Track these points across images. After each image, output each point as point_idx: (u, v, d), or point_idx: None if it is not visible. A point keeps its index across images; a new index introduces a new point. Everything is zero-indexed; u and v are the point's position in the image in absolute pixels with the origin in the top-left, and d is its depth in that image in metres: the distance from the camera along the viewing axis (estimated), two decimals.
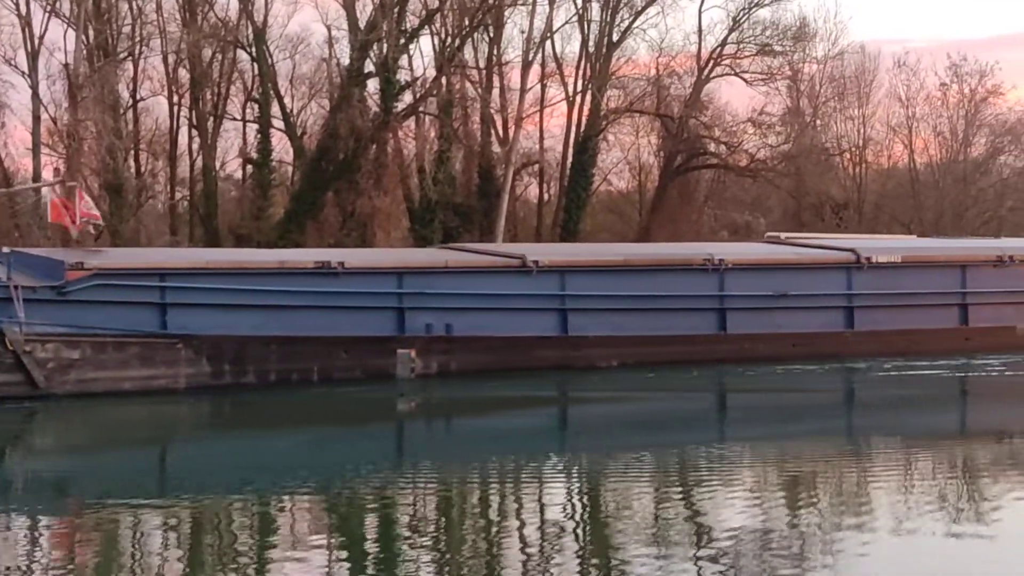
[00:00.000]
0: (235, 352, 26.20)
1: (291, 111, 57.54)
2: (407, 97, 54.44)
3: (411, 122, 55.82)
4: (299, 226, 51.69)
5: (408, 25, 54.18)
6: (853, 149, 65.63)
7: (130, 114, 54.71)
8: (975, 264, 33.02)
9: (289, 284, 27.06)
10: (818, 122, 64.40)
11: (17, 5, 49.56)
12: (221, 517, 14.87)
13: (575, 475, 17.56)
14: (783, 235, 36.70)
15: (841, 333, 31.30)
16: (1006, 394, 26.78)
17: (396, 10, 52.86)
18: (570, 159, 58.40)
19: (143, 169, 55.82)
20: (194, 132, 56.02)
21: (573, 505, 15.41)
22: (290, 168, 59.12)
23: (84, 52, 49.50)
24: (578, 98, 58.47)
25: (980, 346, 31.82)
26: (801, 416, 23.88)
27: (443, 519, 14.73)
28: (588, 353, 28.98)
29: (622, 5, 58.08)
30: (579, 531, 13.79)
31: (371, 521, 14.63)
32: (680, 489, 16.24)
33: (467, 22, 54.99)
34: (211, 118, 55.65)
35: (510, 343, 28.23)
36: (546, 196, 62.28)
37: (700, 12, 61.49)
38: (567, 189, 58.09)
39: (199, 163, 56.01)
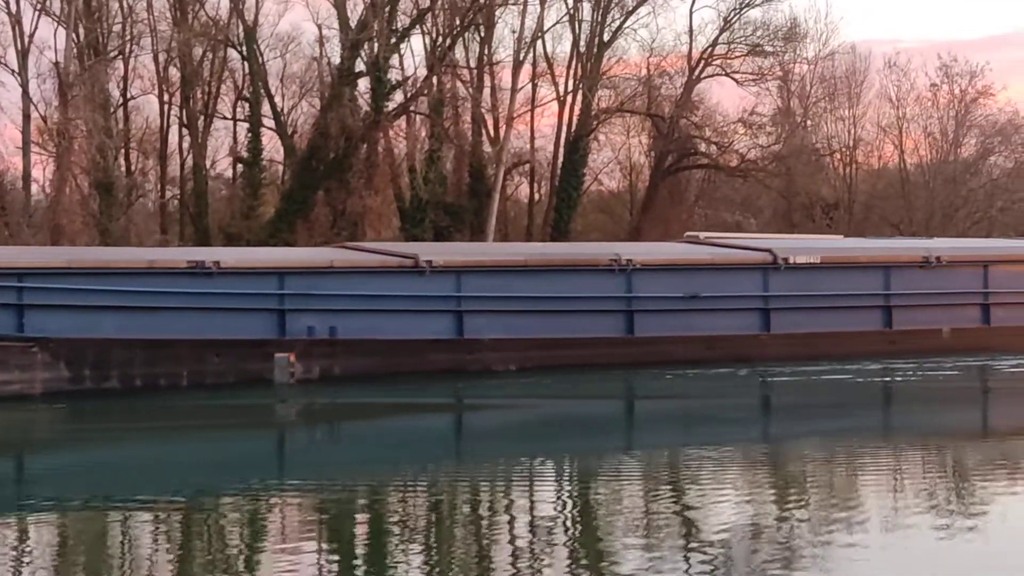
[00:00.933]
0: (96, 356, 25.02)
1: (282, 110, 57.54)
2: (398, 96, 54.56)
3: (402, 121, 55.85)
4: (289, 225, 51.68)
5: (399, 24, 54.24)
6: (843, 149, 65.69)
7: (120, 113, 54.64)
8: (899, 265, 31.86)
9: (158, 285, 25.87)
10: (808, 122, 64.49)
11: (7, 3, 49.63)
12: (71, 529, 13.93)
13: (459, 483, 16.53)
14: (702, 234, 35.63)
15: (757, 336, 30.17)
16: (920, 399, 25.50)
17: (387, 9, 52.89)
18: (561, 159, 58.41)
19: (133, 168, 55.70)
20: (184, 131, 55.96)
21: (454, 513, 14.49)
22: (280, 167, 59.11)
23: (74, 51, 49.44)
24: (569, 98, 58.52)
25: (904, 349, 30.56)
26: (704, 422, 22.72)
27: (316, 528, 13.67)
28: (484, 356, 27.72)
29: (613, 5, 58.14)
30: (469, 539, 12.94)
31: (234, 530, 13.55)
32: (577, 498, 15.46)
33: (458, 22, 55.03)
34: (201, 117, 55.60)
35: (399, 346, 26.99)
36: (537, 196, 62.33)
37: (691, 12, 61.66)
38: (558, 189, 58.11)
39: (189, 162, 55.98)
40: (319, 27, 56.18)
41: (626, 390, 27.25)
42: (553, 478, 17.06)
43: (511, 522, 13.76)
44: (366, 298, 27.20)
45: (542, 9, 56.14)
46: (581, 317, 28.91)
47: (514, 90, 55.24)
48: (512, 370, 27.63)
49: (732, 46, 61.08)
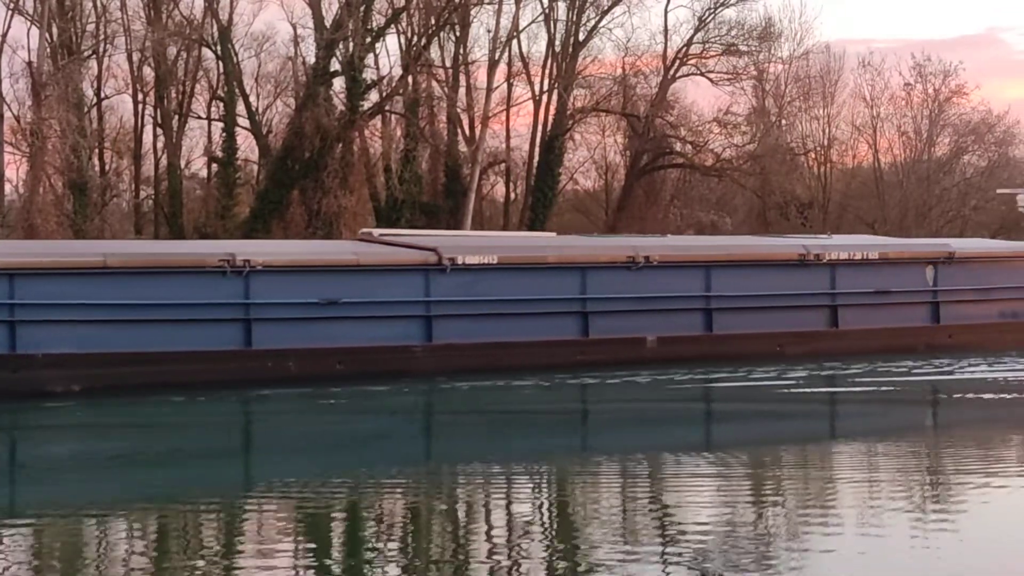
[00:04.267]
0: None
1: (256, 110, 57.45)
2: (373, 96, 54.48)
3: (377, 121, 55.81)
4: (264, 225, 51.59)
5: (374, 24, 54.16)
6: (818, 149, 66.01)
7: (94, 112, 54.48)
8: (598, 266, 28.43)
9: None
10: (783, 122, 64.73)
11: None
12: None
13: None
14: (375, 231, 31.58)
15: (411, 347, 26.46)
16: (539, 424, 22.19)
17: (362, 9, 52.80)
18: (536, 158, 58.48)
19: (107, 168, 55.54)
20: (159, 131, 55.83)
21: None
22: (255, 167, 59.03)
23: (48, 50, 49.22)
24: (544, 97, 58.61)
25: (602, 360, 27.30)
26: (300, 449, 19.29)
27: None
28: (38, 375, 23.42)
29: (588, 5, 58.25)
30: None
31: None
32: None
33: (433, 21, 55.00)
34: (176, 116, 55.48)
35: None
36: (513, 195, 62.39)
37: (666, 12, 61.89)
38: (534, 188, 58.16)
39: (164, 162, 55.85)
40: (294, 26, 56.23)
41: (227, 414, 23.11)
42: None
43: None
44: None
45: (517, 8, 56.25)
46: (182, 328, 24.78)
47: (489, 89, 55.26)
48: (75, 391, 23.35)
49: (707, 46, 61.30)
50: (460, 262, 26.99)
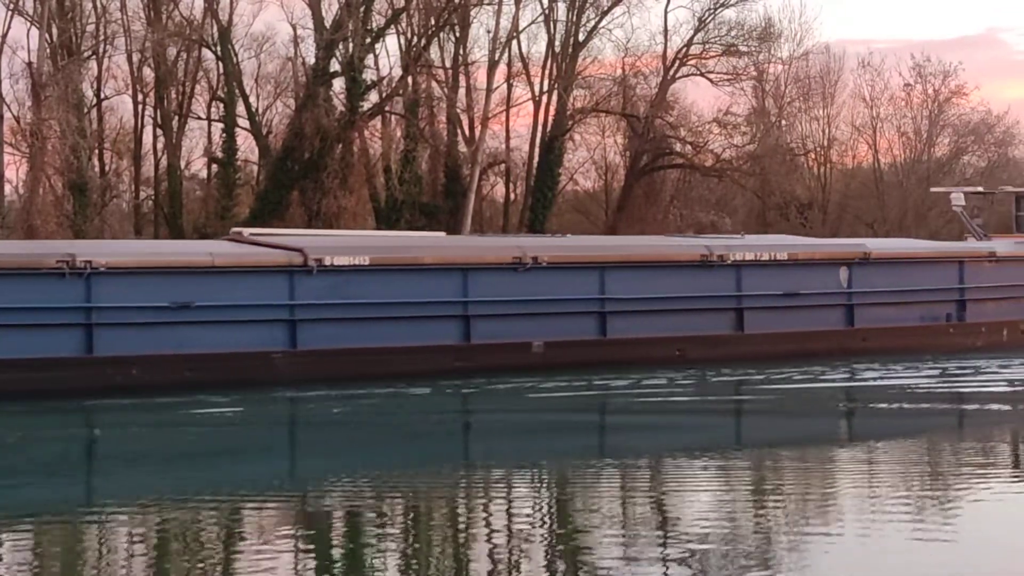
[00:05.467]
0: None
1: (256, 110, 57.45)
2: (373, 96, 54.51)
3: (377, 121, 55.81)
4: (264, 225, 51.45)
5: (374, 24, 54.17)
6: (818, 149, 66.03)
7: (94, 113, 54.49)
8: (481, 267, 27.15)
9: None
10: (783, 122, 64.74)
11: None
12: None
13: None
14: (246, 231, 29.47)
15: (271, 353, 25.05)
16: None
17: (362, 9, 52.81)
18: (536, 158, 58.48)
19: (107, 168, 55.56)
20: (159, 131, 55.82)
21: None
22: (255, 167, 59.03)
23: (48, 51, 49.23)
24: (544, 98, 58.60)
25: (485, 366, 26.06)
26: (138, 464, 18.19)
27: None
28: None
29: (588, 5, 58.24)
30: None
31: None
32: None
33: (433, 21, 55.01)
34: (176, 117, 55.48)
35: None
36: (512, 195, 62.39)
37: (666, 12, 61.85)
38: (534, 188, 58.16)
39: (164, 162, 55.85)
40: (294, 27, 56.23)
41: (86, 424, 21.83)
42: None
43: None
44: None
45: (517, 9, 56.24)
46: (16, 334, 23.39)
47: (489, 90, 55.26)
48: None
49: (707, 46, 61.28)
50: (328, 263, 25.73)
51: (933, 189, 51.81)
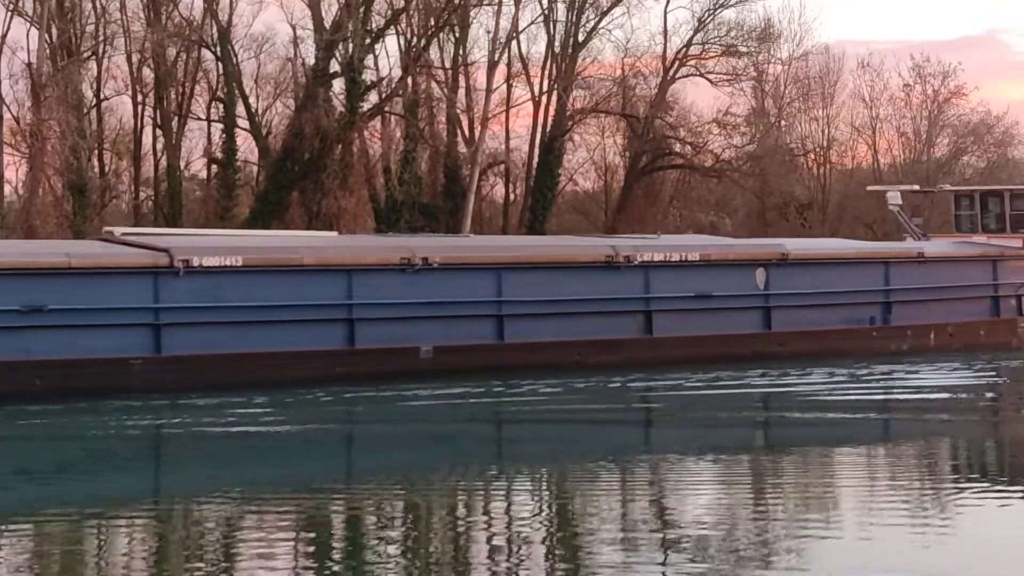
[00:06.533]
0: None
1: (256, 111, 57.45)
2: (373, 97, 54.49)
3: (377, 122, 55.82)
4: (264, 226, 51.39)
5: (374, 25, 54.17)
6: (817, 149, 66.08)
7: (94, 114, 54.49)
8: (366, 269, 25.89)
9: None
10: (782, 123, 64.83)
11: None
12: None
13: None
14: (118, 231, 27.60)
15: (130, 359, 23.56)
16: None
17: (361, 10, 52.81)
18: (536, 159, 58.51)
19: (107, 169, 55.58)
20: (158, 132, 55.84)
21: None
22: (255, 168, 59.03)
23: (47, 51, 49.22)
24: (544, 98, 58.64)
25: (370, 372, 24.87)
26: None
27: None
28: None
29: (588, 5, 58.27)
30: None
31: None
32: None
33: (433, 22, 55.00)
34: (176, 118, 55.48)
35: None
36: (512, 196, 62.42)
37: (665, 13, 61.96)
38: (533, 189, 58.18)
39: (163, 163, 55.87)
40: (293, 28, 56.22)
41: None
42: None
43: None
44: None
45: (517, 10, 56.27)
46: None
47: (489, 90, 55.29)
48: None
49: (706, 46, 61.35)
50: (196, 264, 24.23)
51: (869, 188, 49.99)
